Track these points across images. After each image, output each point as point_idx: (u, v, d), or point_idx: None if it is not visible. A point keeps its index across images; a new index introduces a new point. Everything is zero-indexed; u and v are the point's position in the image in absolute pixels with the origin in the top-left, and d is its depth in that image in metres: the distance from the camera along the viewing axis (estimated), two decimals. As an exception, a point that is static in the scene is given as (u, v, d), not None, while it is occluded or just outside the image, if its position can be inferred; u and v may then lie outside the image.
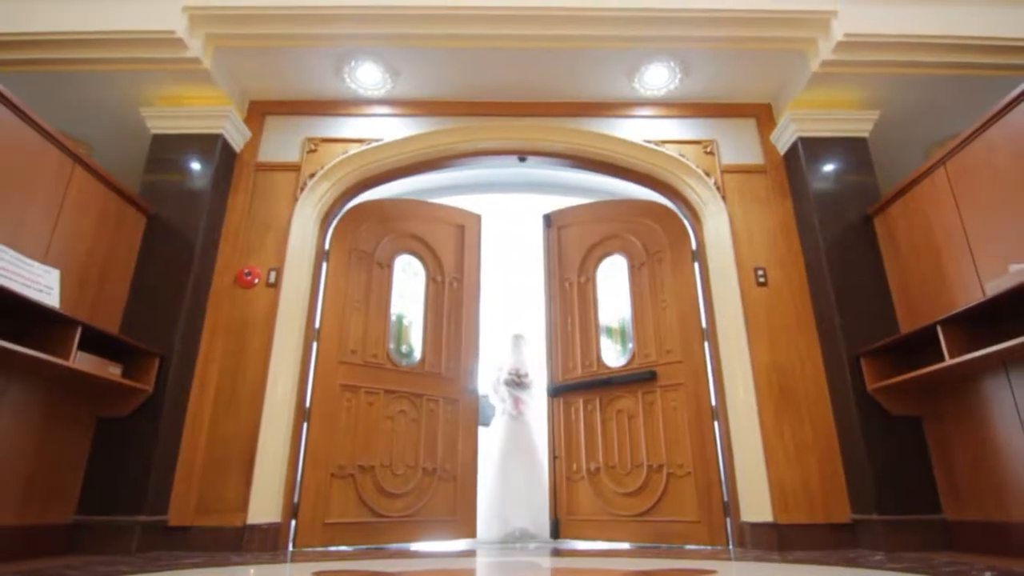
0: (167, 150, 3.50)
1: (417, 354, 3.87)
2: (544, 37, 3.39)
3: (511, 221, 5.26)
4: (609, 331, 4.01)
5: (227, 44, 3.41)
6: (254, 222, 3.56)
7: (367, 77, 3.67)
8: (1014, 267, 2.27)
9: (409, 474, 3.54)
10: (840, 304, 3.18)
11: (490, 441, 4.27)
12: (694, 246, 3.76)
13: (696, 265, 3.71)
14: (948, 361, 2.46)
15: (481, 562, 2.76)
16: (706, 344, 3.53)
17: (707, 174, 3.72)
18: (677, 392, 3.53)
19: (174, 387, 3.02)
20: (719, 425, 3.34)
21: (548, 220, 4.34)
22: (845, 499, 3.02)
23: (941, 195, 2.88)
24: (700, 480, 3.32)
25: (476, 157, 3.96)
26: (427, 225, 4.10)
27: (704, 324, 3.57)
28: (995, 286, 2.31)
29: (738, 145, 3.83)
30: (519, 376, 4.54)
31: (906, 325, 3.07)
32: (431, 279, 4.03)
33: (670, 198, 3.91)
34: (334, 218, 3.80)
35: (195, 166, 3.46)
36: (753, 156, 3.80)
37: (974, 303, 2.36)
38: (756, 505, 3.06)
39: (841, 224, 3.38)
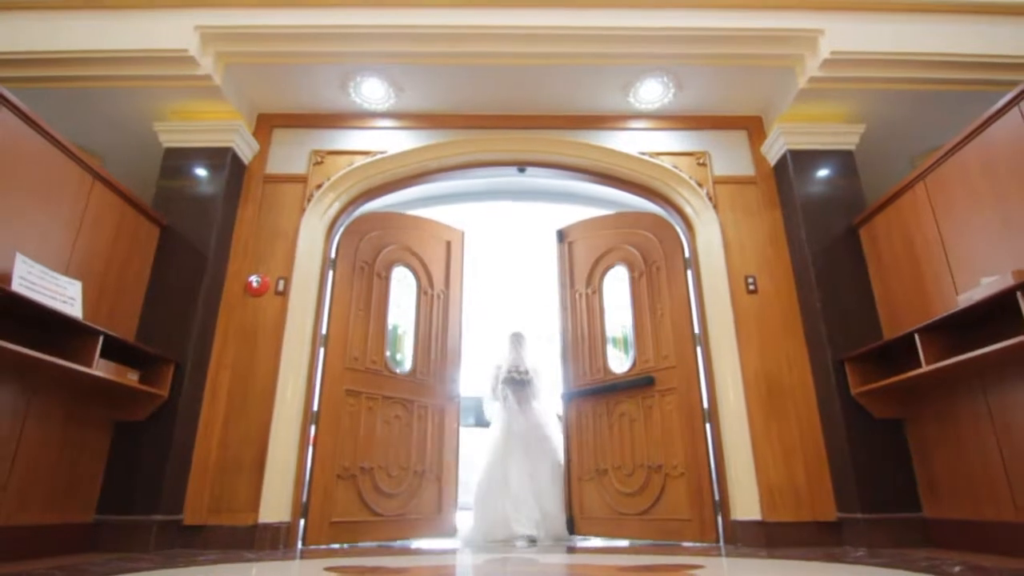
0: (179, 163, 3.63)
1: (409, 362, 4.06)
2: (542, 55, 3.52)
3: (521, 229, 5.40)
4: (614, 339, 4.21)
5: (237, 61, 3.55)
6: (263, 232, 3.69)
7: (371, 92, 3.80)
8: (985, 280, 2.40)
9: (402, 475, 3.73)
10: (826, 311, 3.32)
11: (490, 439, 4.23)
12: (687, 255, 3.89)
13: (689, 273, 3.85)
14: (925, 367, 2.60)
15: (483, 558, 2.89)
16: (699, 349, 3.66)
17: (700, 185, 3.86)
18: (672, 396, 3.67)
19: (188, 392, 3.15)
20: (711, 427, 3.47)
21: (560, 235, 4.56)
22: (831, 498, 3.16)
23: (921, 208, 3.02)
24: (693, 480, 3.46)
25: (477, 168, 4.09)
26: (419, 239, 4.30)
27: (697, 330, 3.70)
28: (967, 298, 2.45)
29: (730, 157, 3.96)
30: (519, 373, 4.45)
31: (889, 332, 3.21)
32: (422, 292, 4.24)
33: (665, 208, 4.05)
34: (339, 228, 3.94)
35: (206, 178, 3.59)
36: (744, 168, 3.93)
37: (948, 313, 2.50)
38: (746, 504, 3.19)
39: (828, 234, 3.52)
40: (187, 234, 3.45)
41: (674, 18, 3.45)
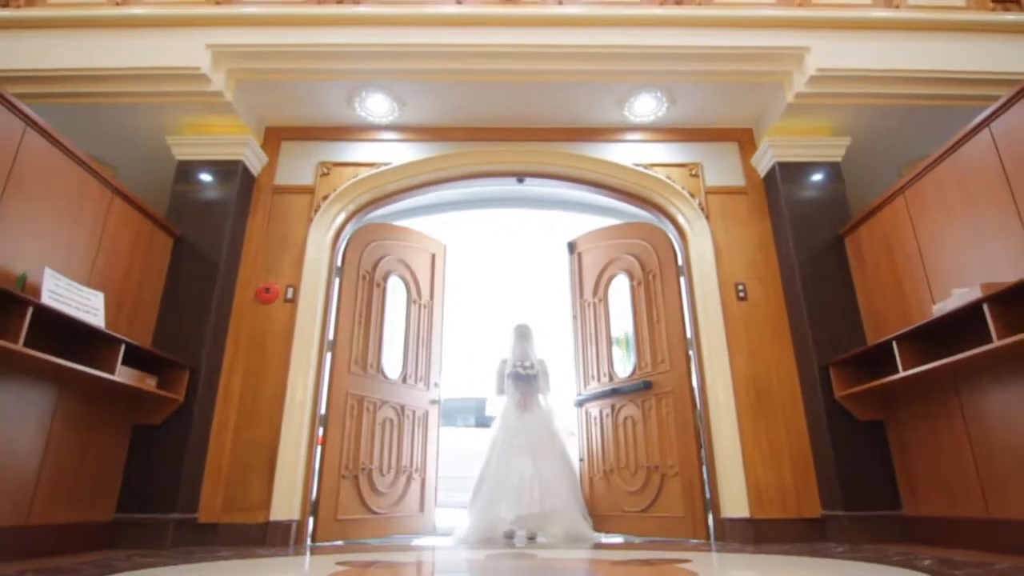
0: (191, 175, 3.78)
1: (400, 368, 4.25)
2: (540, 72, 3.67)
3: (526, 235, 5.55)
4: (619, 345, 4.39)
5: (247, 78, 3.69)
6: (272, 242, 3.84)
7: (376, 106, 3.94)
8: (956, 291, 2.55)
9: (392, 475, 3.96)
10: (812, 318, 3.47)
11: (492, 435, 4.17)
12: (680, 263, 4.04)
13: (682, 280, 3.99)
14: (902, 373, 2.75)
15: (484, 554, 3.04)
16: (691, 354, 3.81)
17: (692, 195, 4.01)
18: (668, 399, 3.83)
19: (202, 397, 3.29)
20: (702, 429, 3.62)
21: (571, 246, 4.78)
22: (816, 496, 3.31)
23: (901, 220, 3.17)
24: (685, 479, 3.61)
25: (477, 179, 4.23)
26: (409, 251, 4.52)
27: (689, 335, 3.85)
28: (941, 307, 2.60)
29: (721, 168, 4.11)
30: (524, 367, 4.33)
31: (872, 338, 3.36)
32: (411, 301, 4.46)
33: (659, 217, 4.19)
34: (345, 237, 4.08)
35: (217, 190, 3.74)
36: (735, 178, 4.08)
37: (923, 322, 2.65)
38: (735, 502, 3.34)
39: (814, 243, 3.67)
40: (199, 244, 3.59)
41: (666, 37, 3.60)
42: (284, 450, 3.38)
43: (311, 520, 3.44)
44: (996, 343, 2.23)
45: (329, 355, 3.78)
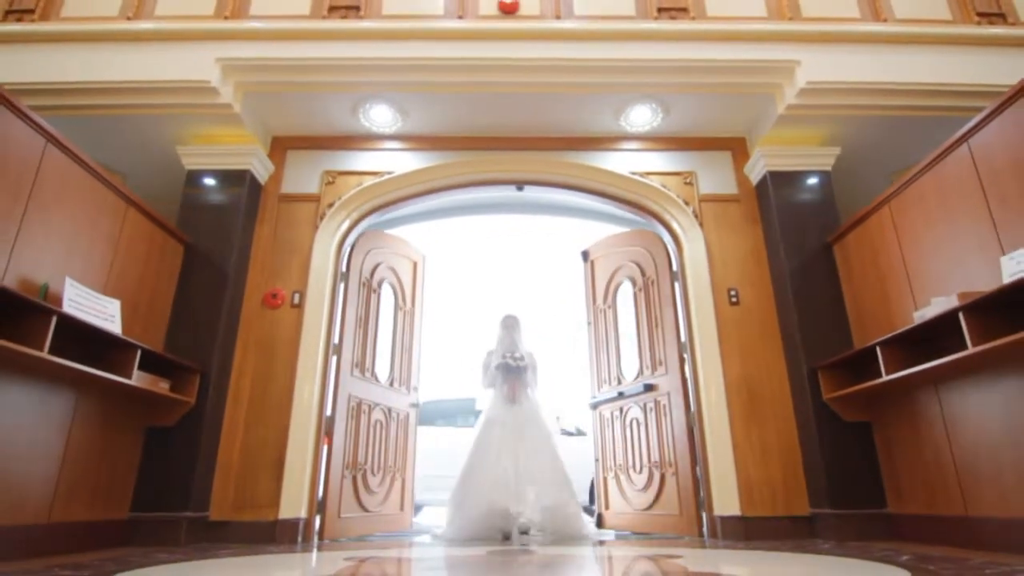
0: (200, 184, 3.89)
1: (387, 371, 4.42)
2: (538, 84, 3.78)
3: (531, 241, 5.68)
4: (626, 349, 4.57)
5: (255, 90, 3.80)
6: (279, 249, 3.96)
7: (380, 117, 4.06)
8: (935, 299, 2.67)
9: (381, 475, 4.14)
10: (801, 322, 3.59)
11: (477, 430, 4.07)
12: (675, 268, 4.16)
13: (677, 286, 4.12)
14: (885, 377, 2.87)
15: (485, 551, 3.16)
16: (685, 357, 3.93)
17: (687, 203, 4.13)
18: (666, 401, 3.98)
19: (213, 399, 3.42)
20: (696, 429, 3.74)
21: (585, 255, 4.99)
22: (804, 495, 3.44)
23: (886, 230, 3.29)
24: (681, 479, 3.75)
25: (477, 187, 4.35)
26: (396, 258, 4.69)
27: (684, 339, 3.98)
28: (921, 315, 2.73)
29: (715, 176, 4.23)
30: (514, 359, 4.19)
31: (859, 342, 3.48)
32: (398, 307, 4.63)
33: (655, 224, 4.31)
34: (349, 243, 4.20)
35: (226, 199, 3.85)
36: (728, 186, 4.20)
37: (904, 329, 2.77)
38: (727, 500, 3.47)
39: (804, 250, 3.79)
40: (209, 251, 3.71)
41: (661, 50, 3.72)
42: (292, 450, 3.50)
43: (317, 518, 3.56)
44: (971, 350, 2.36)
45: (334, 359, 3.91)
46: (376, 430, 4.17)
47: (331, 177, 4.16)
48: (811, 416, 3.41)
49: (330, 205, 4.08)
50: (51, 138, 2.70)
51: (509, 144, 4.27)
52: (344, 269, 4.13)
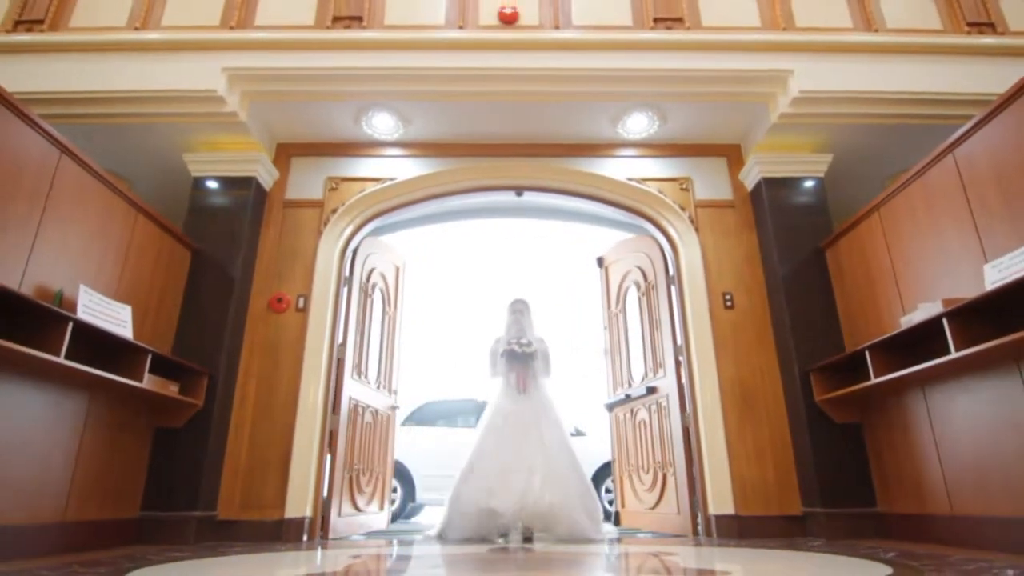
0: (207, 191, 3.98)
1: (375, 374, 4.52)
2: (537, 93, 3.87)
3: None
4: (634, 353, 4.70)
5: (260, 99, 3.89)
6: (284, 254, 4.04)
7: (382, 124, 4.15)
8: (921, 305, 2.76)
9: (370, 474, 4.28)
10: (794, 325, 3.68)
11: (483, 422, 3.89)
12: (671, 273, 4.25)
13: (673, 289, 4.21)
14: (873, 380, 2.97)
15: (487, 547, 3.24)
16: (681, 359, 4.02)
17: (683, 208, 4.21)
18: (665, 402, 4.08)
19: (220, 401, 3.50)
20: (692, 430, 3.83)
21: (600, 261, 5.16)
22: (797, 494, 3.53)
23: (876, 236, 3.38)
24: (679, 478, 3.85)
25: (478, 192, 4.44)
26: (383, 263, 4.80)
27: (680, 342, 4.06)
28: (907, 320, 2.81)
29: (710, 182, 4.32)
30: (520, 345, 3.94)
31: (850, 345, 3.57)
32: (385, 312, 4.75)
33: (652, 229, 4.39)
34: (352, 249, 4.28)
35: (232, 205, 3.94)
36: (723, 192, 4.28)
37: (892, 333, 2.86)
38: (721, 499, 3.56)
39: (797, 255, 3.87)
40: (216, 256, 3.80)
41: (657, 60, 3.80)
42: (297, 451, 3.59)
43: (321, 517, 3.65)
44: (954, 355, 2.45)
45: (338, 361, 4.00)
46: (367, 431, 4.30)
47: (334, 183, 4.25)
48: (803, 417, 3.50)
49: (333, 211, 4.16)
50: (65, 149, 2.78)
51: (509, 151, 4.36)
52: (347, 274, 4.22)
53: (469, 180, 4.35)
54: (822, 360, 3.48)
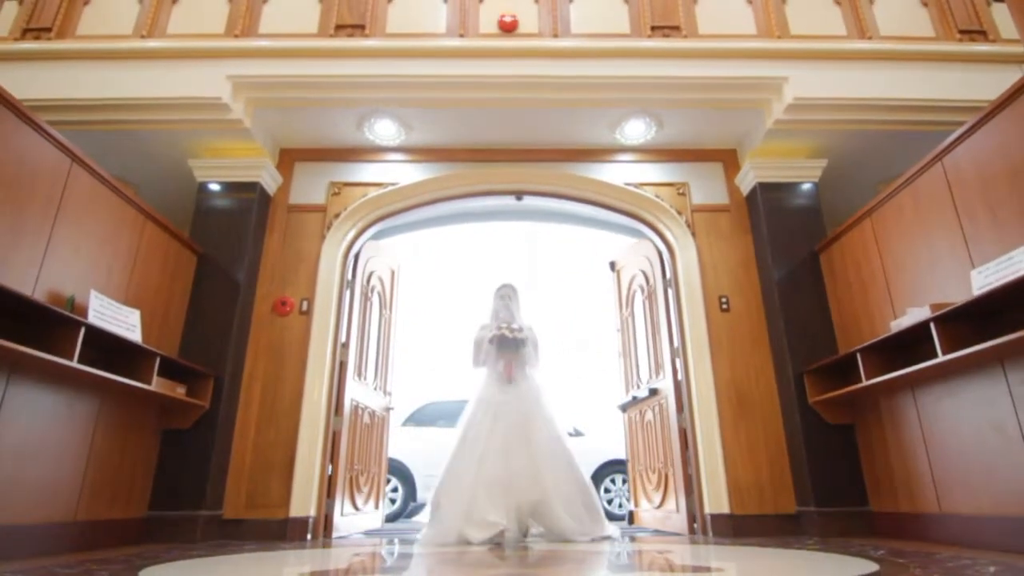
0: (212, 196, 4.05)
1: (373, 375, 4.60)
2: (537, 100, 3.94)
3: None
4: (641, 355, 4.79)
5: (264, 105, 3.96)
6: (287, 258, 4.11)
7: (384, 130, 4.22)
8: (910, 310, 2.84)
9: (367, 475, 4.35)
10: (788, 328, 3.75)
11: (465, 416, 3.65)
12: (668, 276, 4.32)
13: (670, 292, 4.28)
14: (864, 382, 3.04)
15: (485, 547, 3.32)
16: (678, 361, 4.10)
17: (680, 213, 4.29)
18: (666, 404, 4.16)
19: (226, 403, 3.58)
20: (689, 431, 3.90)
21: (612, 265, 5.26)
22: (791, 494, 3.60)
23: (868, 241, 3.45)
24: (678, 478, 3.93)
25: (478, 197, 4.51)
26: (383, 267, 4.88)
27: (676, 344, 4.14)
28: (897, 324, 2.89)
29: (707, 187, 4.39)
30: (510, 330, 3.65)
31: (843, 348, 3.64)
32: (381, 314, 4.82)
33: (650, 232, 4.47)
34: (355, 252, 4.36)
35: (236, 210, 4.01)
36: (720, 197, 4.36)
37: (882, 337, 2.94)
38: (717, 499, 3.64)
39: (792, 258, 3.94)
40: (221, 260, 3.87)
41: (655, 67, 3.87)
42: (301, 452, 3.66)
43: (324, 516, 3.73)
44: (941, 358, 2.52)
45: (340, 363, 4.07)
46: (365, 432, 4.38)
47: (337, 188, 4.32)
48: (797, 418, 3.57)
49: (336, 215, 4.23)
50: (76, 158, 2.85)
51: (509, 156, 4.43)
52: (350, 277, 4.29)
53: (470, 185, 4.42)
54: (816, 362, 3.55)
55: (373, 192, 4.31)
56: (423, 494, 6.00)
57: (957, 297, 2.62)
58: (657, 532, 4.09)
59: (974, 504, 2.64)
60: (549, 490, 3.25)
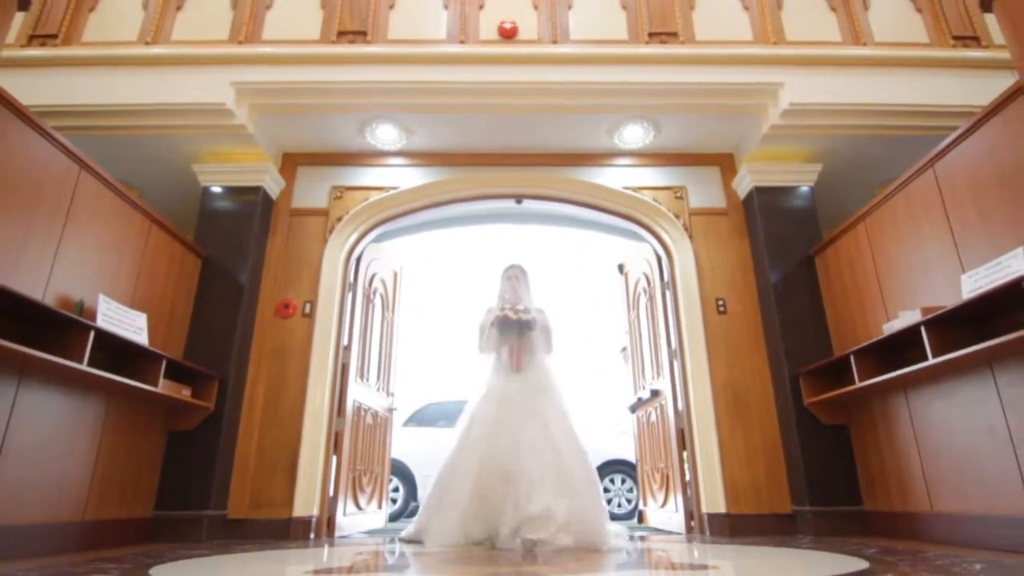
0: (216, 200, 4.11)
1: (376, 376, 4.66)
2: (536, 105, 4.00)
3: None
4: (645, 356, 4.87)
5: (268, 111, 4.01)
6: (290, 261, 4.17)
7: (385, 135, 4.27)
8: (902, 313, 2.89)
9: (370, 474, 4.41)
10: (784, 331, 3.81)
11: (469, 408, 3.34)
12: (666, 279, 4.38)
13: (668, 295, 4.33)
14: (857, 384, 3.10)
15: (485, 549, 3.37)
16: (675, 363, 4.15)
17: (677, 216, 4.34)
18: (666, 404, 4.22)
19: (230, 404, 3.63)
20: (686, 431, 3.96)
21: (620, 267, 5.33)
22: (786, 494, 3.66)
23: (862, 245, 3.51)
24: (675, 478, 3.98)
25: (479, 200, 4.56)
26: (385, 269, 4.93)
27: (674, 346, 4.19)
28: (889, 327, 2.95)
29: (704, 190, 4.45)
30: (515, 311, 3.28)
31: (838, 350, 3.70)
32: (383, 316, 4.88)
33: (648, 235, 4.52)
34: (356, 256, 4.41)
35: (240, 214, 4.06)
36: (717, 200, 4.41)
37: (874, 340, 2.99)
38: (714, 498, 3.69)
39: (788, 261, 4.00)
40: (225, 264, 3.92)
41: (652, 73, 3.93)
42: (304, 453, 3.72)
43: (327, 516, 3.78)
44: (931, 361, 2.58)
45: (343, 365, 4.12)
46: (368, 432, 4.44)
47: (339, 192, 4.38)
48: (792, 419, 3.63)
49: (339, 219, 4.29)
50: (84, 164, 2.91)
51: (508, 160, 4.48)
52: (352, 280, 4.35)
53: (470, 188, 4.48)
54: (811, 364, 3.61)
55: (375, 196, 4.36)
56: (424, 494, 6.05)
57: (948, 300, 2.67)
58: (658, 531, 4.16)
59: (964, 503, 2.70)
60: (559, 497, 2.82)
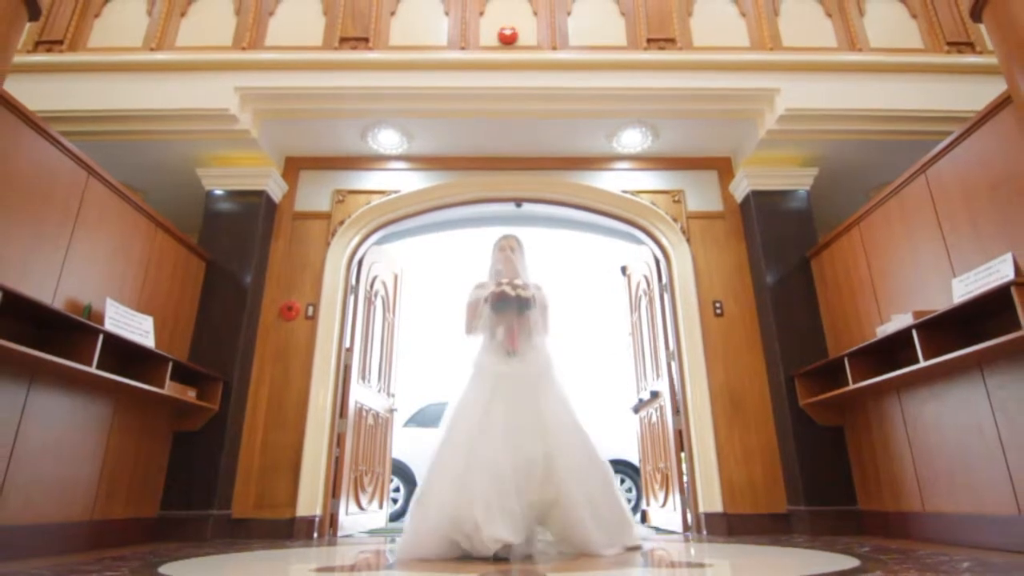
0: (220, 204, 4.16)
1: (377, 378, 4.71)
2: (536, 111, 4.06)
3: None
4: (647, 358, 4.93)
5: (271, 116, 4.07)
6: (293, 264, 4.22)
7: (387, 140, 4.33)
8: (894, 316, 2.95)
9: (371, 475, 4.47)
10: (780, 333, 3.86)
11: (458, 398, 2.84)
12: (664, 281, 4.43)
13: (666, 297, 4.39)
14: (852, 385, 3.15)
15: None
16: (673, 364, 4.21)
17: (675, 220, 4.40)
18: (665, 405, 4.28)
19: (235, 405, 3.69)
20: (684, 432, 4.02)
21: (623, 269, 5.39)
22: (782, 493, 3.72)
23: (856, 249, 3.56)
24: (674, 478, 4.04)
25: (479, 204, 4.62)
26: (386, 271, 4.98)
27: (672, 348, 4.25)
28: (882, 330, 3.00)
29: (702, 194, 4.50)
30: (513, 287, 2.89)
31: (833, 351, 3.75)
32: (385, 318, 4.94)
33: (646, 238, 4.58)
34: (358, 258, 4.46)
35: (243, 217, 4.12)
36: (714, 204, 4.47)
37: (868, 342, 3.05)
38: (711, 498, 3.75)
39: (784, 264, 4.06)
40: (229, 267, 3.98)
41: (651, 79, 3.98)
42: (307, 453, 3.77)
43: (330, 515, 3.84)
44: (922, 363, 2.63)
45: (345, 367, 4.18)
46: (369, 433, 4.50)
47: (341, 196, 4.43)
48: (788, 420, 3.68)
49: (341, 222, 4.34)
50: (92, 171, 2.96)
51: (508, 164, 4.54)
52: (354, 282, 4.40)
53: (470, 192, 4.53)
54: (806, 366, 3.66)
55: (376, 200, 4.42)
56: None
57: (940, 304, 2.73)
58: (658, 530, 4.21)
59: (954, 503, 2.76)
60: (566, 488, 2.51)
